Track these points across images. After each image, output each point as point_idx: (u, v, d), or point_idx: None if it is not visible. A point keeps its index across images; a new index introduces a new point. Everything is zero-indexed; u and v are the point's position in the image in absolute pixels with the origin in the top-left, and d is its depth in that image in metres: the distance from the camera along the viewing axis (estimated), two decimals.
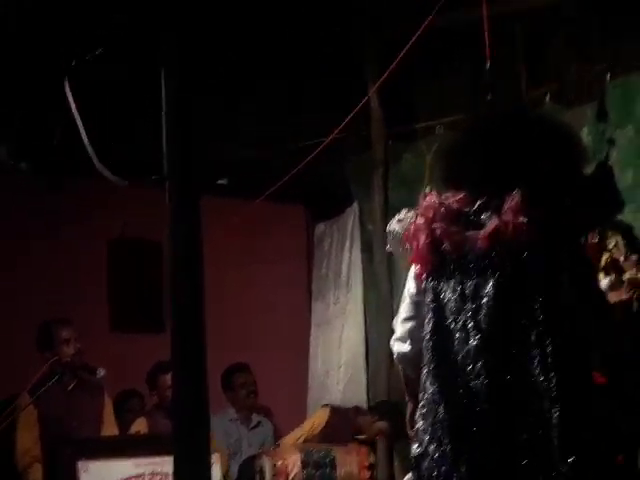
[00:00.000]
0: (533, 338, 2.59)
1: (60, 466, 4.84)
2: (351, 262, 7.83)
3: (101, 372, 5.43)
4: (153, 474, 4.92)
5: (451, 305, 2.69)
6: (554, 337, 2.57)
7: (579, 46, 7.00)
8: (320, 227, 8.33)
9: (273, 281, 8.25)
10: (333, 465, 6.13)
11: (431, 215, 2.73)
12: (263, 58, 6.98)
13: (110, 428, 5.55)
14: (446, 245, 2.71)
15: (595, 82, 6.73)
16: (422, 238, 2.76)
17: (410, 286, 2.80)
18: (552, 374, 2.56)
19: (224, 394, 6.92)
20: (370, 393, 7.51)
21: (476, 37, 6.24)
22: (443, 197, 2.74)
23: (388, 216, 7.50)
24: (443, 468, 2.64)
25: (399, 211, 7.45)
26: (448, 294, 2.72)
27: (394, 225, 2.83)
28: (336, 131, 6.54)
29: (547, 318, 2.58)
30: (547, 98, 6.82)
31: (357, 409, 6.82)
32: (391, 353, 7.45)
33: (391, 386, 7.36)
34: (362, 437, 6.62)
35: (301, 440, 6.48)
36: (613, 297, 5.61)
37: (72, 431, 5.25)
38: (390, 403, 6.81)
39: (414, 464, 2.66)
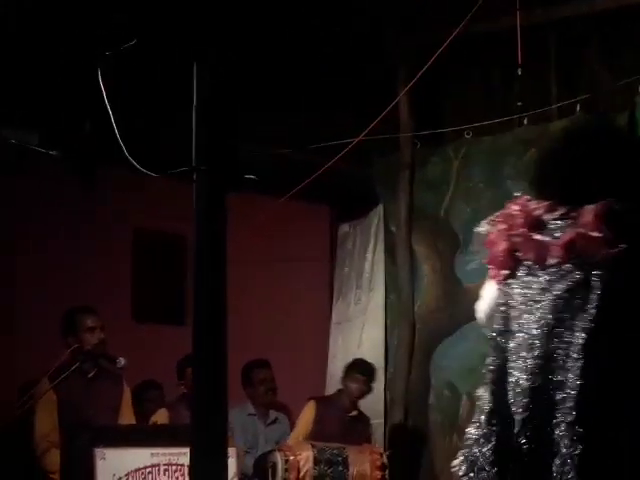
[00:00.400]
0: (577, 351, 2.66)
1: (77, 452, 4.87)
2: (374, 263, 7.84)
3: (121, 361, 5.44)
4: (169, 465, 4.93)
5: (517, 307, 2.81)
6: (600, 355, 2.64)
7: (611, 56, 6.98)
8: (344, 227, 8.34)
9: (295, 279, 8.26)
10: (346, 464, 6.15)
11: (512, 222, 2.83)
12: (293, 57, 7.01)
13: (127, 417, 5.57)
14: (522, 251, 2.81)
15: (626, 93, 6.72)
16: (501, 244, 2.86)
17: (488, 288, 2.95)
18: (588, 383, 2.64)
19: (243, 390, 6.93)
20: (387, 395, 7.52)
21: (508, 43, 6.25)
22: (527, 204, 2.83)
23: (412, 219, 7.53)
24: (481, 449, 2.75)
25: (423, 214, 7.52)
26: (516, 297, 2.83)
27: (482, 227, 2.94)
28: (364, 132, 6.56)
29: (596, 336, 2.66)
30: (578, 107, 6.81)
31: (339, 391, 6.85)
32: (411, 355, 7.53)
33: (409, 389, 7.37)
34: (354, 413, 6.71)
35: (300, 440, 6.52)
36: None
37: (90, 418, 5.28)
38: (361, 361, 6.83)
39: (468, 446, 2.78)
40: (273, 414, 6.97)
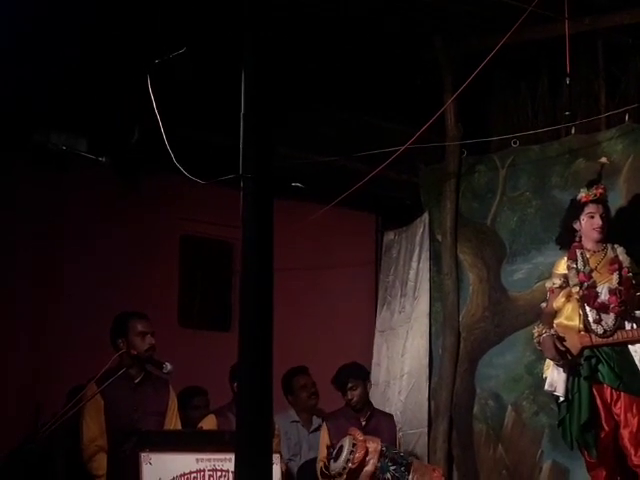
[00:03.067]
0: None
1: (123, 456, 4.91)
2: (419, 271, 7.81)
3: (168, 367, 5.47)
4: (214, 470, 4.96)
5: None
6: None
7: None
8: (389, 235, 8.33)
9: (340, 287, 8.27)
10: (408, 469, 6.18)
11: None
12: (342, 66, 7.03)
13: (174, 422, 5.59)
14: None
15: None
16: None
17: None
18: None
19: (285, 397, 6.94)
20: (432, 405, 7.48)
21: (556, 52, 6.22)
22: None
23: (458, 228, 7.51)
24: None
25: (469, 222, 7.50)
26: None
27: None
28: (410, 141, 6.56)
29: None
30: (627, 117, 6.76)
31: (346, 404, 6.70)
32: (456, 365, 7.52)
33: (454, 402, 7.33)
34: (366, 416, 6.57)
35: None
36: None
37: (136, 423, 5.31)
38: (346, 368, 6.66)
39: None
40: (316, 421, 6.98)
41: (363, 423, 6.52)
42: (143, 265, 7.23)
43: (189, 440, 5.18)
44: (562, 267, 5.99)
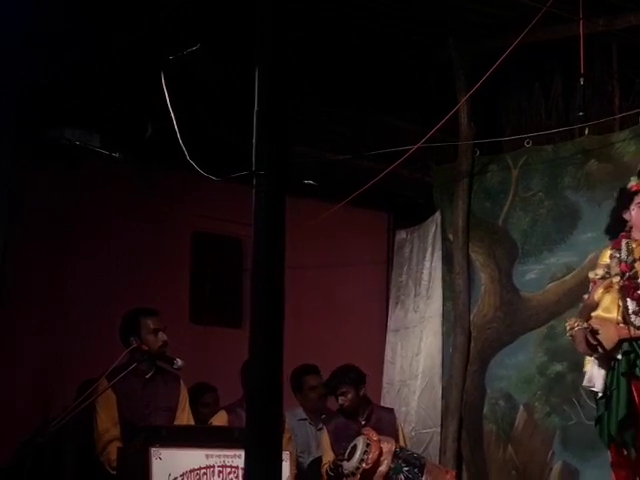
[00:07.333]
0: None
1: (133, 451, 4.92)
2: (431, 271, 7.82)
3: (178, 362, 5.47)
4: (223, 466, 4.97)
5: None
6: None
7: None
8: (401, 234, 8.33)
9: (351, 285, 8.26)
10: (422, 470, 6.11)
11: None
12: (355, 65, 7.04)
13: (187, 417, 5.59)
14: None
15: None
16: None
17: None
18: None
19: (294, 395, 6.89)
20: (443, 404, 7.48)
21: (570, 52, 6.21)
22: None
23: (470, 227, 7.51)
24: None
25: (481, 222, 7.49)
26: None
27: None
28: (423, 140, 6.56)
29: None
30: None
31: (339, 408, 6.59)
32: (466, 364, 7.50)
33: (465, 400, 7.33)
34: (365, 416, 6.45)
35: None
36: None
37: (147, 418, 5.32)
38: (340, 372, 6.52)
39: None
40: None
41: (363, 422, 6.43)
42: (155, 261, 7.24)
43: (199, 436, 5.18)
44: (606, 257, 5.66)
